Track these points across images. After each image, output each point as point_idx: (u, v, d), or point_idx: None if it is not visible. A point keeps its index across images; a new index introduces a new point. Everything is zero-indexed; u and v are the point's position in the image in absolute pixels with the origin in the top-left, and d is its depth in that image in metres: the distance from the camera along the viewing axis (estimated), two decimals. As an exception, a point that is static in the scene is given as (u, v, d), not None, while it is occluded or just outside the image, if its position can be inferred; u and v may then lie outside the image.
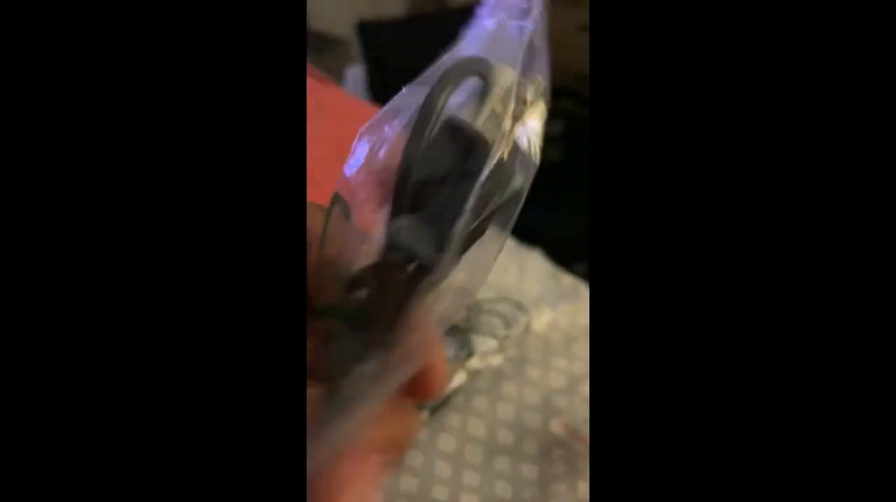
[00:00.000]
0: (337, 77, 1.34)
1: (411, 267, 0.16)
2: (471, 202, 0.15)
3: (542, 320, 0.49)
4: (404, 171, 0.16)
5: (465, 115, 0.17)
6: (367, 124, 0.19)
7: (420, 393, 0.19)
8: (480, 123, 0.17)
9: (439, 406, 0.42)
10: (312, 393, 0.18)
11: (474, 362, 0.45)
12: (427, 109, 0.17)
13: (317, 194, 0.42)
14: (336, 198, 0.19)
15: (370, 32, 1.07)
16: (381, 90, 1.10)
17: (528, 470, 0.40)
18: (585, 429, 0.41)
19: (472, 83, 0.18)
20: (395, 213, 0.16)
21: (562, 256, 0.61)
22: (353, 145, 0.20)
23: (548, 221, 0.93)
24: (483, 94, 0.17)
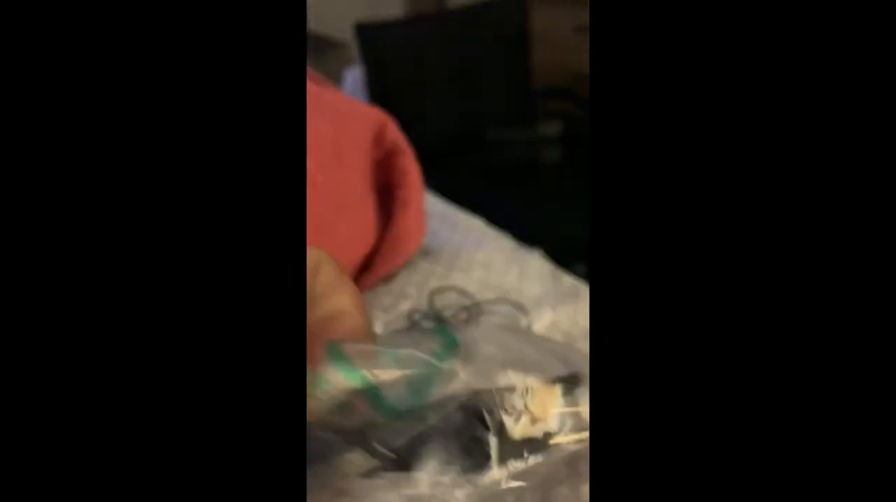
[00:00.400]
0: (336, 79, 1.34)
1: None
2: None
3: (542, 321, 0.49)
4: None
5: None
6: None
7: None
8: None
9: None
10: None
11: (475, 364, 0.45)
12: None
13: (314, 194, 0.43)
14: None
15: (368, 34, 1.07)
16: (380, 91, 1.10)
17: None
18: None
19: None
20: None
21: (561, 257, 0.60)
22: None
23: (546, 222, 0.93)
24: None
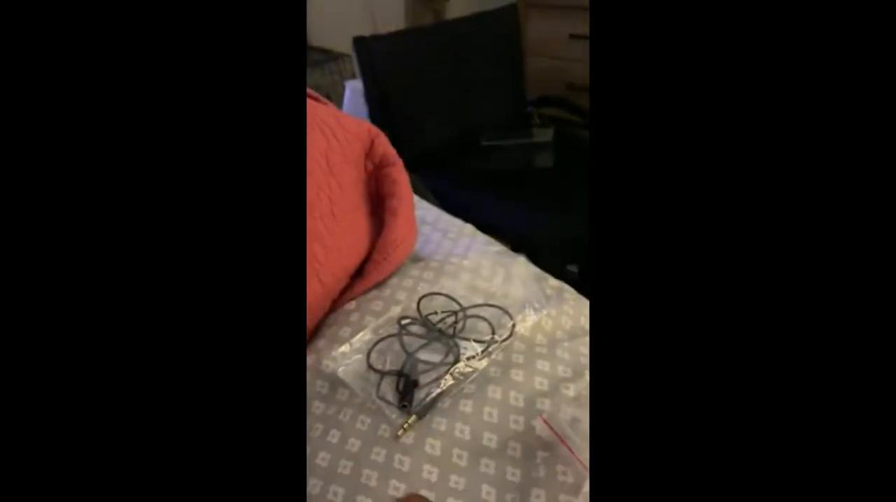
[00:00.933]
0: (339, 90, 1.37)
1: None
2: None
3: (526, 324, 0.50)
4: None
5: None
6: None
7: None
8: None
9: (426, 408, 0.43)
10: None
11: (461, 366, 0.46)
12: None
13: (307, 206, 0.42)
14: None
15: (365, 47, 1.09)
16: (378, 100, 1.12)
17: (511, 474, 0.40)
18: (567, 431, 0.41)
19: None
20: None
21: (554, 258, 0.61)
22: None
23: (541, 224, 0.94)
24: None
